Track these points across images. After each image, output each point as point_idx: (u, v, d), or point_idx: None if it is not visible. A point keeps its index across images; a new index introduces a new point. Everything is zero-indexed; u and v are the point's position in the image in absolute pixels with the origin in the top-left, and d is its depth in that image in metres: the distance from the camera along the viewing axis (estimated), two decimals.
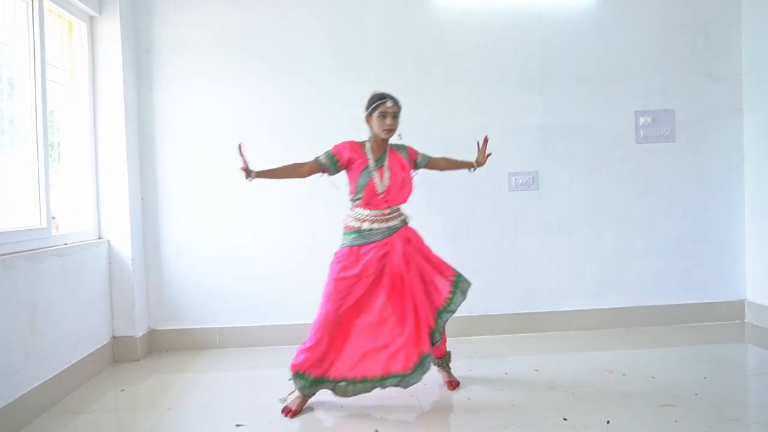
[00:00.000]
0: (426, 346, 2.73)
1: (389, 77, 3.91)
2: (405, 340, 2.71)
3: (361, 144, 2.84)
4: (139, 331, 3.68)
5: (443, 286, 2.89)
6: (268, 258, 3.89)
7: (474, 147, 3.16)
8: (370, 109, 2.79)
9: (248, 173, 2.74)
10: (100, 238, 3.61)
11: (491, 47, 3.98)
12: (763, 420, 2.55)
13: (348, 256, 2.76)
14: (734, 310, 4.14)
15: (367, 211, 2.79)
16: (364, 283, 2.74)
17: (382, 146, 2.85)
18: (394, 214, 2.83)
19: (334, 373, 2.74)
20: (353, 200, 2.84)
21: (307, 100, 3.88)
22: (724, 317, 4.13)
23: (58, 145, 3.40)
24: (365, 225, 2.79)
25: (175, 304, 3.87)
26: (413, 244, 2.87)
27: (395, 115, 2.79)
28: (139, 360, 3.63)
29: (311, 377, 2.73)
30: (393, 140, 2.89)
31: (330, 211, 3.88)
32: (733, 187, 4.14)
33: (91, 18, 3.58)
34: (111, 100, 3.60)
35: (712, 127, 4.12)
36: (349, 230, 2.82)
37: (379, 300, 2.77)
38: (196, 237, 3.87)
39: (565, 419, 2.54)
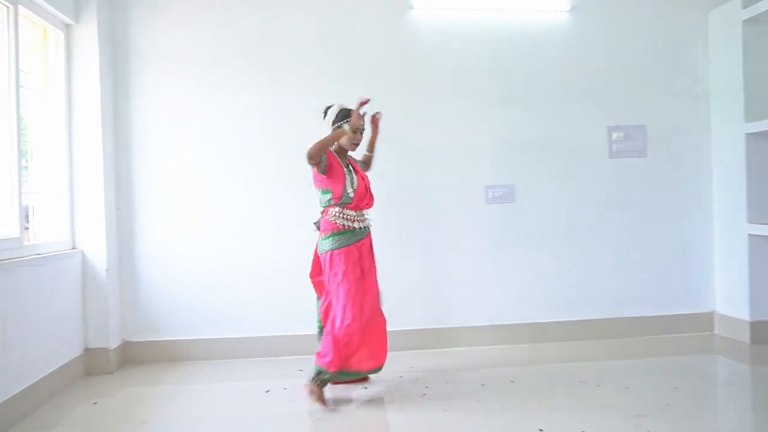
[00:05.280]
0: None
1: (372, 90, 3.92)
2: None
3: (333, 152, 3.03)
4: (113, 343, 3.62)
5: None
6: (245, 270, 3.86)
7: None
8: (341, 122, 3.04)
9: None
10: (74, 248, 3.55)
11: (469, 63, 4.03)
12: (733, 428, 2.61)
13: (350, 255, 2.96)
14: (704, 322, 4.24)
15: (354, 212, 3.00)
16: (365, 277, 3.01)
17: (344, 154, 3.11)
18: (366, 215, 3.11)
19: (358, 365, 3.05)
20: (339, 203, 2.98)
21: (290, 111, 3.86)
22: (695, 329, 4.22)
23: (31, 153, 3.34)
24: (356, 224, 3.00)
25: (150, 316, 3.81)
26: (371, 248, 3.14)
27: (362, 131, 3.06)
28: (112, 372, 3.56)
29: (340, 371, 2.96)
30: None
31: (306, 224, 3.89)
32: (702, 201, 4.25)
33: (67, 26, 3.54)
34: (87, 109, 3.56)
35: (683, 143, 4.23)
36: (341, 230, 2.96)
37: (372, 293, 3.07)
38: (172, 248, 3.82)
39: (540, 430, 2.56)
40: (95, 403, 3.06)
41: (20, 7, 3.07)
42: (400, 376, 3.34)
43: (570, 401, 2.92)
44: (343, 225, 2.96)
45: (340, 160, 3.01)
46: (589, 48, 4.15)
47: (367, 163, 3.31)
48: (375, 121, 3.21)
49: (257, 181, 3.87)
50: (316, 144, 2.84)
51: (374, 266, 3.12)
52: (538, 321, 4.08)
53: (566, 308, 4.12)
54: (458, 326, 3.98)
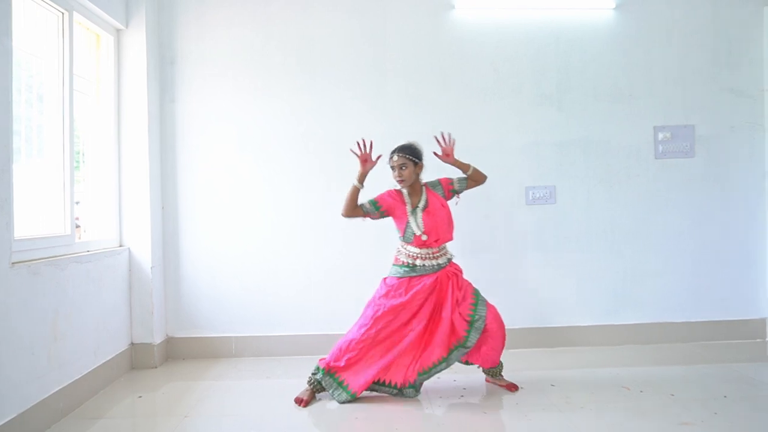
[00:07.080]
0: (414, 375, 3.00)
1: (409, 91, 3.95)
2: (414, 360, 3.03)
3: (398, 191, 3.11)
4: (157, 339, 3.72)
5: (461, 326, 3.02)
6: (285, 270, 3.92)
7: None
8: (389, 161, 3.08)
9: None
10: (121, 245, 3.67)
11: (509, 62, 4.00)
12: None
13: (398, 287, 3.02)
14: (756, 329, 4.07)
15: (418, 250, 3.03)
16: (408, 311, 3.01)
17: (417, 189, 3.10)
18: (441, 252, 3.07)
19: (355, 380, 3.00)
20: (403, 239, 3.07)
21: (329, 113, 3.92)
22: (745, 336, 4.06)
23: (83, 154, 3.47)
24: (418, 262, 3.02)
25: (193, 313, 3.91)
26: (456, 281, 3.06)
27: (402, 166, 3.02)
28: (156, 367, 3.67)
29: (339, 380, 3.01)
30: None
31: (348, 228, 3.91)
32: (754, 204, 4.09)
33: (118, 31, 3.67)
34: (135, 111, 3.67)
35: (734, 143, 4.08)
36: (401, 264, 3.07)
37: (418, 326, 3.02)
38: (215, 247, 3.91)
39: None
40: (140, 397, 3.16)
41: (75, 14, 3.19)
42: (438, 377, 3.33)
43: (611, 407, 2.85)
44: (404, 261, 3.05)
45: (408, 198, 3.07)
46: (635, 46, 4.05)
47: (473, 178, 3.14)
48: (446, 152, 3.16)
49: (299, 182, 3.92)
50: (343, 204, 3.04)
51: (447, 300, 3.00)
52: (580, 324, 4.00)
53: (608, 312, 4.03)
54: None
